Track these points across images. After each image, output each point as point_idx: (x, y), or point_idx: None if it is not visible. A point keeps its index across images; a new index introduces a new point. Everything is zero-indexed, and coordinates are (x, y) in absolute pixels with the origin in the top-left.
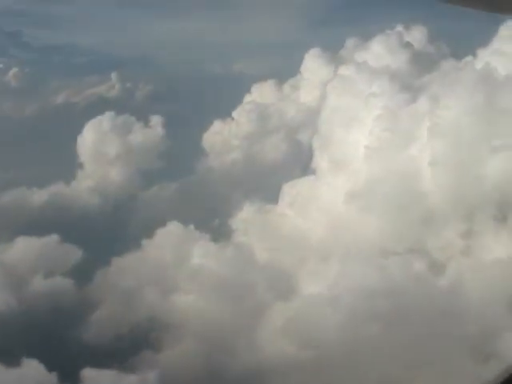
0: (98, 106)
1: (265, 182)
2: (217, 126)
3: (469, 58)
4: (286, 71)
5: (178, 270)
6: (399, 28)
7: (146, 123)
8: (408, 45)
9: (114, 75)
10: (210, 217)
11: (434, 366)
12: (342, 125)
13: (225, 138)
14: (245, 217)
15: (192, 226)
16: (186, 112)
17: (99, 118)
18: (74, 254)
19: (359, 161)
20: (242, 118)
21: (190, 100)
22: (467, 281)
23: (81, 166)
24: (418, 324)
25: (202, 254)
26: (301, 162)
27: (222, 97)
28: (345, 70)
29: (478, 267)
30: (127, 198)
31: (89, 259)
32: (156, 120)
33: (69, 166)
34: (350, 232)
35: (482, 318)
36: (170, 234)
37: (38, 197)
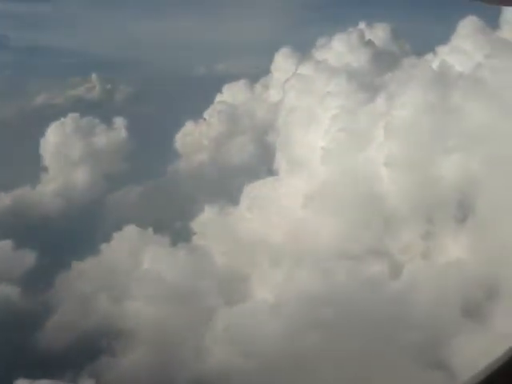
0: (76, 108)
1: (230, 183)
2: (189, 126)
3: (429, 56)
4: (259, 70)
5: (131, 275)
6: (362, 26)
7: (119, 125)
8: (370, 43)
9: (94, 77)
10: (173, 219)
11: (381, 374)
12: (300, 125)
13: (196, 139)
14: (206, 219)
15: (150, 230)
16: (163, 113)
17: (63, 120)
18: (28, 259)
19: (316, 162)
20: (213, 119)
21: (170, 101)
22: (423, 284)
23: (45, 169)
24: (367, 330)
25: (157, 258)
26: (267, 163)
27: (200, 97)
28: (304, 69)
29: (435, 269)
30: (92, 201)
31: (46, 264)
32: (129, 122)
33: (36, 168)
34: (308, 235)
35: (434, 323)
36: (127, 238)
37: (2, 201)
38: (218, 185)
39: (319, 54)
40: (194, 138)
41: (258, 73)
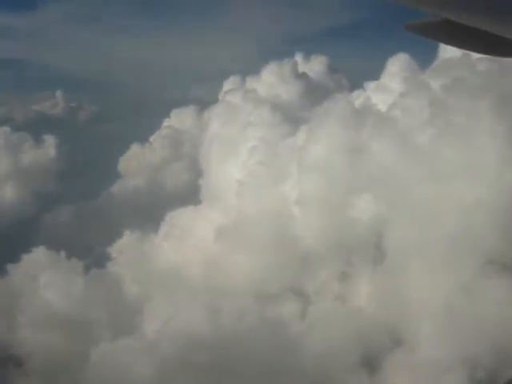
0: (34, 123)
1: (160, 209)
2: (135, 149)
3: (359, 92)
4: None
5: (27, 300)
6: (298, 58)
7: (57, 143)
8: (303, 75)
9: (59, 93)
10: (95, 243)
11: None
12: (221, 155)
13: (138, 163)
14: (124, 245)
15: (63, 253)
16: (119, 134)
17: None
18: None
19: (233, 195)
20: (157, 144)
21: (129, 122)
22: (329, 328)
23: None
24: (251, 376)
25: (57, 283)
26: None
27: (156, 120)
28: (231, 97)
29: (344, 313)
30: (17, 220)
31: None
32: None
33: None
34: (218, 269)
35: (327, 372)
36: (35, 260)
37: None
38: (147, 210)
39: (251, 83)
40: (137, 162)
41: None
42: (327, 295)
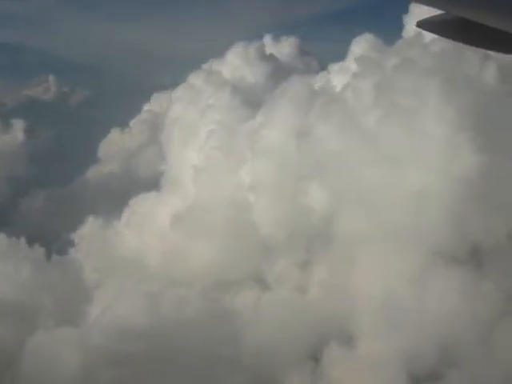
0: (25, 108)
1: (129, 195)
2: (115, 134)
3: (323, 74)
4: None
5: None
6: (267, 39)
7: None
8: (271, 57)
9: (51, 78)
10: (61, 230)
11: None
12: (180, 139)
13: (116, 148)
14: (87, 232)
15: (23, 240)
16: (108, 119)
17: None
18: None
19: (190, 181)
20: (135, 128)
21: (121, 107)
22: (277, 319)
23: None
24: (188, 369)
25: (13, 270)
26: None
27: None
28: (194, 79)
29: (296, 304)
30: None
31: None
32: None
33: None
34: (174, 258)
35: (270, 365)
36: None
37: None
38: (119, 196)
39: (216, 65)
40: (115, 146)
41: None
42: (287, 284)
